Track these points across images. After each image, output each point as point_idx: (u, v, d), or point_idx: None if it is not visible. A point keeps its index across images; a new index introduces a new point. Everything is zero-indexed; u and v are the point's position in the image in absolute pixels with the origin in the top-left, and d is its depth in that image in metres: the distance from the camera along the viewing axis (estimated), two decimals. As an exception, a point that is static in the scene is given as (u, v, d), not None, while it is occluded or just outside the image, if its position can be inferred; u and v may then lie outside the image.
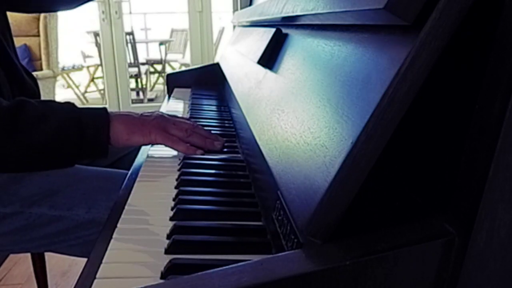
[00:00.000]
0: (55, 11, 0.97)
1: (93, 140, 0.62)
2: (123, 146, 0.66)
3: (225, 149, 0.72)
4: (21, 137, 0.58)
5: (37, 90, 0.85)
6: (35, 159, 0.60)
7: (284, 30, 0.64)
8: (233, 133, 0.83)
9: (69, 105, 0.64)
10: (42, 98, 0.85)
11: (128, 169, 0.64)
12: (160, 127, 0.66)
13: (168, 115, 0.71)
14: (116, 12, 3.62)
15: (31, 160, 0.60)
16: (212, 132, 0.82)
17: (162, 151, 0.70)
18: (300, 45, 0.53)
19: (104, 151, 0.63)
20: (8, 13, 0.82)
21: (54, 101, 0.64)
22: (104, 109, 0.65)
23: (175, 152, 0.71)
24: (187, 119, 0.73)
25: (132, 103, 3.81)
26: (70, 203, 0.68)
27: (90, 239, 0.65)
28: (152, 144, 0.70)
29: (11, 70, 0.76)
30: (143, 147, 0.74)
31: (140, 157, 0.69)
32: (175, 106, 1.08)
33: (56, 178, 0.64)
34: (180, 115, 0.93)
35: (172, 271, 0.37)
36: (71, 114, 0.62)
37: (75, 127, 0.61)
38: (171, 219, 0.47)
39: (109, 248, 0.41)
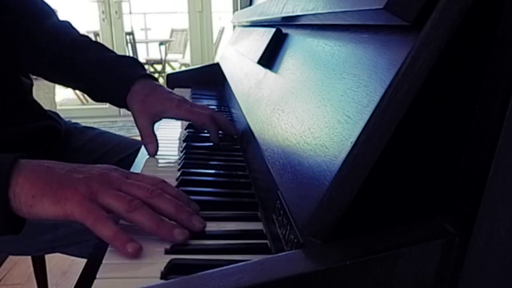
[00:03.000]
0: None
1: None
2: (28, 218, 0.43)
3: (225, 149, 0.72)
4: None
5: (31, 87, 0.82)
6: None
7: (284, 30, 0.64)
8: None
9: None
10: (42, 98, 0.85)
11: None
12: (88, 192, 0.41)
13: (123, 173, 0.46)
14: (116, 12, 3.62)
15: None
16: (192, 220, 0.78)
17: (161, 151, 0.70)
18: (300, 45, 0.53)
19: (5, 223, 0.42)
20: None
21: None
22: (10, 157, 0.43)
23: (175, 152, 0.71)
24: (155, 180, 0.46)
25: (132, 103, 3.81)
26: None
27: (89, 244, 0.65)
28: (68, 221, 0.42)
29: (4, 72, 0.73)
30: (143, 147, 0.73)
31: (141, 157, 0.69)
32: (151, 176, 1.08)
33: None
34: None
35: (172, 271, 0.37)
36: None
37: None
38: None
39: (109, 248, 0.41)
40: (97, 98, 0.81)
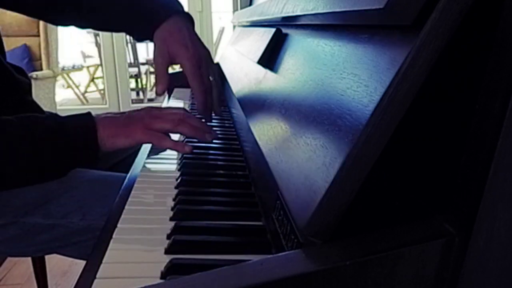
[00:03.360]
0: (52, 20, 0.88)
1: (84, 149, 0.60)
2: (111, 150, 0.63)
3: (225, 149, 0.72)
4: (7, 157, 0.58)
5: (30, 87, 0.82)
6: (29, 174, 0.60)
7: (284, 30, 0.64)
8: (233, 133, 0.83)
9: (51, 118, 0.62)
10: (42, 98, 0.85)
11: (126, 172, 0.64)
12: (144, 125, 0.62)
13: (156, 108, 0.66)
14: (116, 12, 3.61)
15: (24, 176, 0.61)
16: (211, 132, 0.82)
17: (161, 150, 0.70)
18: (300, 45, 0.53)
19: (94, 158, 0.62)
20: (8, 13, 0.81)
21: (36, 116, 0.61)
22: (88, 114, 0.63)
23: (174, 152, 0.71)
24: (180, 108, 0.68)
25: (132, 103, 3.81)
26: (64, 211, 0.67)
27: (87, 244, 0.65)
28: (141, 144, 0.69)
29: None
30: (143, 146, 0.73)
31: (140, 157, 0.69)
32: (175, 106, 1.08)
33: (49, 186, 0.63)
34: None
35: (172, 271, 0.37)
36: (56, 126, 0.60)
37: (61, 140, 0.59)
38: (171, 219, 0.47)
39: (109, 248, 0.41)
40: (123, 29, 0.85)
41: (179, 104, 1.10)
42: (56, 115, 0.64)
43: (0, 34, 0.79)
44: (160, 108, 0.66)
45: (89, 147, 0.60)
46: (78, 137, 0.60)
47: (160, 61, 0.75)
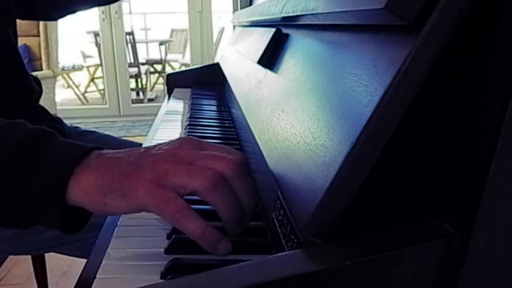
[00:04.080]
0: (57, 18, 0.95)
1: (39, 207, 0.38)
2: (106, 215, 0.42)
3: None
4: None
5: (40, 95, 0.85)
6: None
7: (284, 30, 0.64)
8: (233, 133, 0.83)
9: (21, 131, 0.39)
10: (42, 98, 0.86)
11: None
12: (157, 174, 0.36)
13: (199, 141, 0.40)
14: (116, 12, 3.62)
15: None
16: (212, 132, 0.82)
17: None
18: (300, 45, 0.53)
19: (54, 219, 0.38)
20: None
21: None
22: (82, 149, 0.39)
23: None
24: (232, 151, 0.40)
25: (132, 103, 3.81)
26: None
27: (89, 242, 0.65)
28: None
29: (18, 78, 0.76)
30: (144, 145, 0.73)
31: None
32: (175, 106, 1.08)
33: None
34: (180, 116, 0.94)
35: (172, 271, 0.37)
36: (17, 149, 0.37)
37: (14, 173, 0.37)
38: (171, 219, 0.47)
39: (109, 247, 0.41)
40: None
41: (179, 104, 1.10)
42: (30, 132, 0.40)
43: (17, 40, 0.80)
44: (210, 144, 0.40)
45: (48, 205, 0.37)
46: (38, 176, 0.37)
47: None
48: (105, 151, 0.40)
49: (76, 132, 0.94)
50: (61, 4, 0.88)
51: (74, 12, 0.93)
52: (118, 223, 0.46)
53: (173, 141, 0.40)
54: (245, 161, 0.39)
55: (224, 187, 0.36)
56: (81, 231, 0.45)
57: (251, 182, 0.37)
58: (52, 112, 0.87)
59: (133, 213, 0.37)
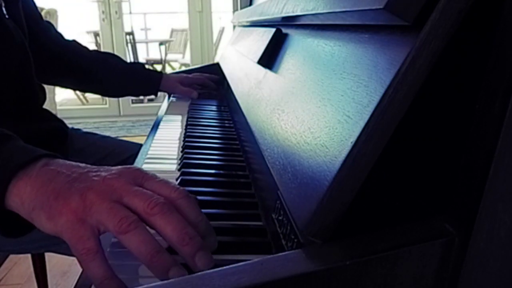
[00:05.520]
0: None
1: None
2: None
3: (225, 149, 0.72)
4: None
5: (44, 101, 0.87)
6: None
7: (284, 30, 0.64)
8: (233, 133, 0.83)
9: None
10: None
11: None
12: (82, 205, 0.35)
13: (142, 174, 0.39)
14: (116, 12, 3.62)
15: None
16: (212, 132, 0.82)
17: (161, 151, 0.70)
18: (300, 45, 0.53)
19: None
20: None
21: None
22: (29, 156, 0.39)
23: (174, 152, 0.71)
24: (169, 187, 0.38)
25: (132, 103, 3.81)
26: None
27: None
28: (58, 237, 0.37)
29: (26, 83, 0.77)
30: (143, 148, 0.73)
31: (140, 158, 0.69)
32: (175, 106, 1.08)
33: None
34: (179, 117, 0.94)
35: (172, 271, 0.37)
36: None
37: None
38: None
39: (108, 248, 0.41)
40: (122, 94, 1.15)
41: (179, 104, 1.10)
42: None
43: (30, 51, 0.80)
44: (154, 179, 0.39)
45: None
46: None
47: (182, 88, 1.13)
48: (55, 161, 0.40)
49: (77, 133, 0.95)
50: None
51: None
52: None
53: (117, 168, 0.39)
54: (183, 199, 0.37)
55: (136, 231, 0.34)
56: None
57: (179, 218, 0.35)
58: (52, 112, 0.88)
59: (51, 234, 0.36)
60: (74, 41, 1.03)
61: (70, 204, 0.35)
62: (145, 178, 0.38)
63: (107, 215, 0.34)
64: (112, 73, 1.03)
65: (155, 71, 1.16)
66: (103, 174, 0.38)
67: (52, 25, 0.99)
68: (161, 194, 0.37)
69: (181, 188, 0.38)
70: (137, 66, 1.08)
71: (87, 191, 0.36)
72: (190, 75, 1.18)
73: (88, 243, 0.34)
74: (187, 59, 4.50)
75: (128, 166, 0.40)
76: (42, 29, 0.93)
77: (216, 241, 0.38)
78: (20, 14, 0.79)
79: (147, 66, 1.14)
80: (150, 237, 0.34)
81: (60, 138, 0.85)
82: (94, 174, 0.38)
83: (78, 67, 0.99)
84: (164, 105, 1.11)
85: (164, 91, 1.13)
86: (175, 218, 0.35)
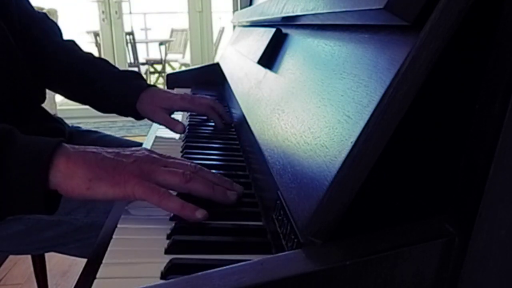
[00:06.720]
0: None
1: (18, 185, 0.42)
2: (83, 200, 0.46)
3: (225, 148, 0.72)
4: None
5: (43, 101, 0.86)
6: None
7: (284, 30, 0.64)
8: (233, 133, 0.83)
9: None
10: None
11: None
12: (142, 173, 0.45)
13: (158, 154, 0.49)
14: (116, 12, 3.62)
15: None
16: (212, 132, 0.82)
17: (161, 151, 0.70)
18: (300, 45, 0.53)
19: (38, 203, 0.43)
20: None
21: None
22: (54, 141, 0.45)
23: (175, 153, 0.71)
24: (188, 161, 0.51)
25: (132, 103, 3.81)
26: (69, 207, 0.67)
27: (90, 242, 0.65)
28: (130, 201, 0.50)
29: (20, 83, 0.76)
30: (145, 144, 0.73)
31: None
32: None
33: None
34: (179, 117, 0.94)
35: (172, 271, 0.37)
36: None
37: None
38: (171, 219, 0.47)
39: (109, 248, 0.41)
40: (106, 109, 0.91)
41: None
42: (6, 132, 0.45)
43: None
44: (163, 156, 0.49)
45: (29, 186, 0.42)
46: (16, 167, 0.42)
47: (163, 116, 0.80)
48: (76, 146, 0.47)
49: (77, 131, 0.94)
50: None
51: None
52: (118, 224, 0.46)
53: (139, 149, 0.49)
54: (201, 168, 0.49)
55: (196, 179, 0.46)
56: (82, 231, 0.47)
57: (205, 180, 0.47)
58: (52, 112, 0.87)
59: (114, 199, 0.47)
60: (72, 41, 0.98)
61: (133, 172, 0.44)
62: (163, 155, 0.49)
63: (169, 174, 0.45)
64: (101, 78, 0.88)
65: (139, 82, 0.85)
66: (139, 152, 0.48)
67: (56, 25, 0.95)
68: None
69: (195, 163, 0.50)
70: (119, 75, 0.87)
71: (139, 163, 0.46)
72: (196, 96, 0.87)
73: (161, 190, 0.44)
74: (187, 59, 4.50)
75: (144, 148, 0.49)
76: (43, 30, 0.91)
77: (241, 187, 0.51)
78: (10, 11, 0.77)
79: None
80: (205, 180, 0.47)
81: (59, 137, 0.85)
82: (129, 152, 0.47)
83: (71, 70, 0.90)
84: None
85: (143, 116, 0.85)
86: (202, 180, 0.47)
